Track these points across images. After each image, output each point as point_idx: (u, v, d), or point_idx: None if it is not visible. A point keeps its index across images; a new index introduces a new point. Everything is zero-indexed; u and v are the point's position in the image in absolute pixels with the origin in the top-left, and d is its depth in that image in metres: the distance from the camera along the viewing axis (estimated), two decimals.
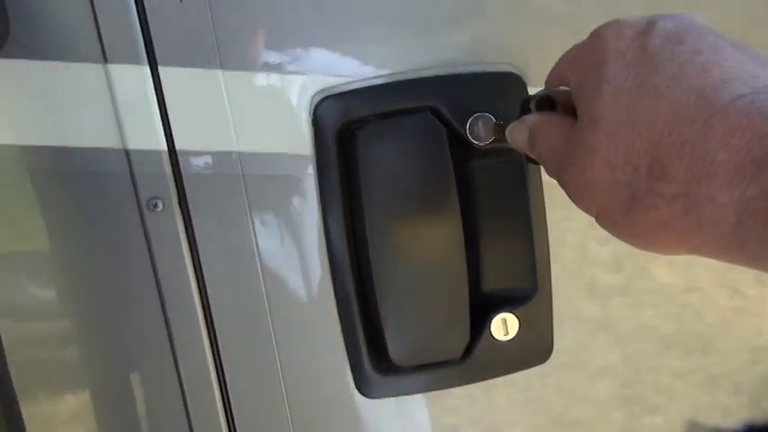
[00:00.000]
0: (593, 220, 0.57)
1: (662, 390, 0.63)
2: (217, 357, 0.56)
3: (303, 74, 0.52)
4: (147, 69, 0.50)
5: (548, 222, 0.57)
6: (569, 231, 0.58)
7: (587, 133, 0.32)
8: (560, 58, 0.37)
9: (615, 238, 0.57)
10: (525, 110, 0.43)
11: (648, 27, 0.31)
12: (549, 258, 0.59)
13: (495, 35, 0.54)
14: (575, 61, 0.35)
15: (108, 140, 0.51)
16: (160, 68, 0.50)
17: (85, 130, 0.51)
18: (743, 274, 0.61)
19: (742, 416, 0.65)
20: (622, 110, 0.30)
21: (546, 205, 0.57)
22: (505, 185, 0.56)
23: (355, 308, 0.56)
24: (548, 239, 0.58)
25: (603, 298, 0.60)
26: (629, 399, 0.63)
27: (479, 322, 0.58)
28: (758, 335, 0.62)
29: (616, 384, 0.62)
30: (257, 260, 0.54)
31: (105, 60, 0.50)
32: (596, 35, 0.34)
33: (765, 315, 0.62)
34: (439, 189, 0.54)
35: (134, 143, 0.51)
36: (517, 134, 0.41)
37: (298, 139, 0.53)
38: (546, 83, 0.39)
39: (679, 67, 0.29)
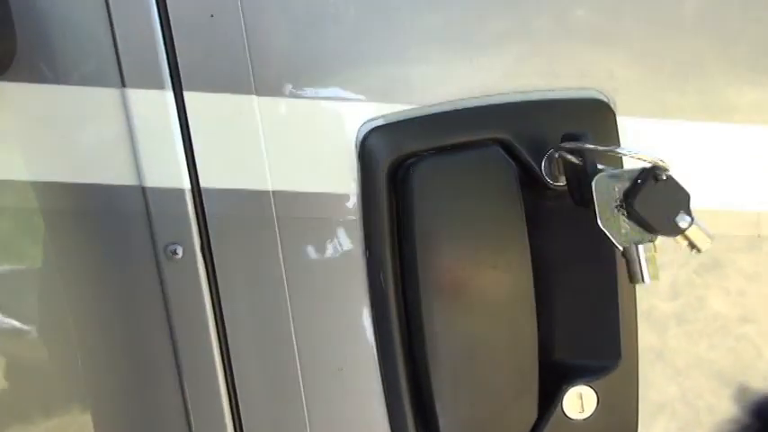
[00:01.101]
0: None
1: None
2: (238, 426, 0.48)
3: (350, 100, 0.45)
4: (171, 94, 0.44)
5: None
6: None
7: None
8: None
9: (673, 265, 0.52)
10: None
11: None
12: (636, 323, 0.49)
13: (577, 56, 0.46)
14: None
15: (122, 176, 0.44)
16: (185, 93, 0.44)
17: (98, 163, 0.44)
18: None
19: None
20: None
21: None
22: (587, 233, 0.47)
23: (403, 375, 0.48)
24: (635, 301, 0.49)
25: (661, 326, 0.53)
26: None
27: (549, 396, 0.49)
28: None
29: (673, 428, 0.55)
30: (289, 317, 0.46)
31: (123, 84, 0.43)
32: None
33: None
34: (507, 236, 0.46)
35: (152, 180, 0.44)
36: None
37: (342, 176, 0.46)
38: None
39: None
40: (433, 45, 0.45)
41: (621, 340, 0.49)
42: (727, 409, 0.56)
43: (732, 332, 0.55)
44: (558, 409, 0.49)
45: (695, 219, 0.39)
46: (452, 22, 0.45)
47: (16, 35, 0.42)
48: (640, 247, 0.41)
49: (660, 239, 0.41)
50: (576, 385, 0.49)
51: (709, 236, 0.40)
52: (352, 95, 0.45)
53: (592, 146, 0.35)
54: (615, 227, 0.41)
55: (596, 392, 0.49)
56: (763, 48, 0.49)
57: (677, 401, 0.55)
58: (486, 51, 0.46)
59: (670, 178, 0.39)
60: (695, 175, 0.49)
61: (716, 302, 0.54)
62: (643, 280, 0.41)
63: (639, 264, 0.41)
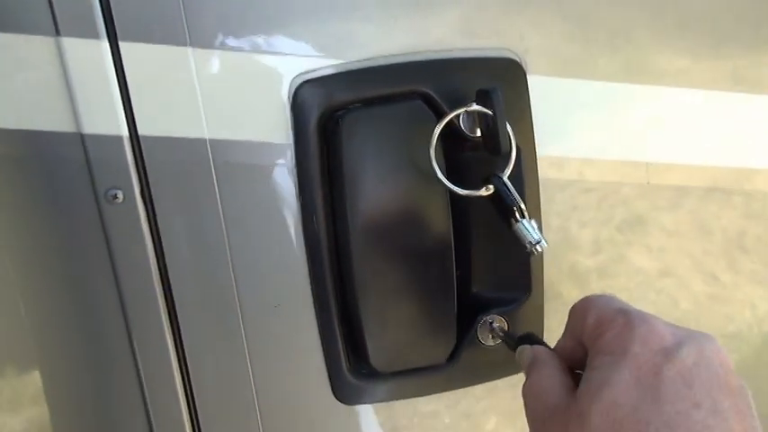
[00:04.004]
0: (576, 202, 0.56)
1: None
2: (182, 361, 0.52)
3: (283, 54, 0.47)
4: (107, 44, 0.45)
5: None
6: (553, 214, 0.56)
7: (571, 426, 0.34)
8: (586, 312, 0.38)
9: (596, 221, 0.57)
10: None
11: (672, 350, 0.33)
12: (542, 258, 0.55)
13: (492, 17, 0.50)
14: (597, 332, 0.37)
15: (61, 123, 0.45)
16: (121, 44, 0.45)
17: (35, 110, 0.45)
18: (718, 261, 0.60)
19: None
20: (609, 425, 0.32)
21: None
22: None
23: (334, 309, 0.52)
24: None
25: (583, 281, 0.58)
26: None
27: (466, 325, 0.55)
28: (731, 321, 0.62)
29: None
30: (228, 258, 0.49)
31: (57, 33, 0.44)
32: (628, 324, 0.35)
33: (739, 302, 0.61)
34: (428, 182, 0.50)
35: (90, 127, 0.45)
36: (524, 360, 0.43)
37: (275, 127, 0.48)
38: (566, 327, 0.41)
39: (675, 415, 0.31)
40: (360, 4, 0.48)
41: (532, 276, 0.55)
42: None
43: (652, 286, 0.59)
44: (474, 335, 0.55)
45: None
46: None
47: None
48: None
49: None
50: (490, 314, 0.55)
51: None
52: (286, 49, 0.47)
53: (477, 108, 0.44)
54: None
55: (507, 322, 0.55)
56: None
57: None
58: (412, 9, 0.49)
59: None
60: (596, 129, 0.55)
61: (637, 258, 0.58)
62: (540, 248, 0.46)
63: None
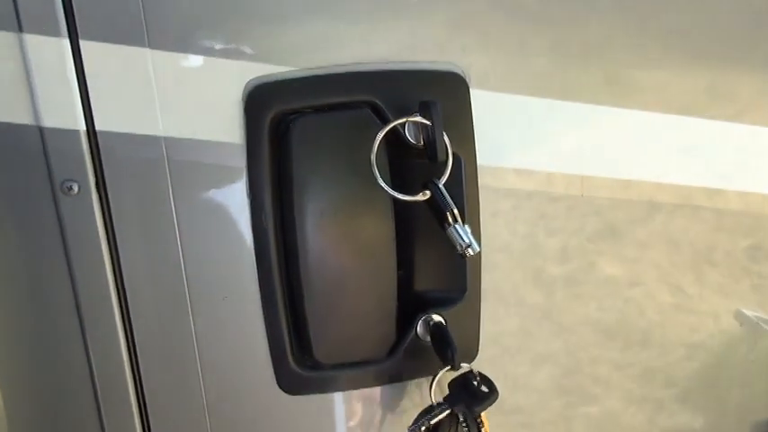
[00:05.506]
0: (543, 210, 0.59)
1: (600, 380, 0.64)
2: (132, 351, 0.54)
3: (238, 59, 0.50)
4: (67, 42, 0.47)
5: (499, 210, 0.56)
6: (520, 221, 0.58)
7: None
8: None
9: (564, 230, 0.59)
10: None
11: None
12: (480, 261, 0.59)
13: (436, 33, 0.53)
14: None
15: (20, 116, 0.47)
16: (81, 42, 0.47)
17: None
18: (686, 273, 0.62)
19: (673, 409, 0.67)
20: None
21: (497, 194, 0.56)
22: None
23: (280, 303, 0.55)
24: (479, 242, 0.58)
25: (549, 287, 0.60)
26: (568, 388, 0.64)
27: (407, 322, 0.58)
28: (694, 331, 0.64)
29: (557, 373, 0.63)
30: (179, 251, 0.52)
31: (20, 29, 0.46)
32: None
33: (703, 313, 0.64)
34: (372, 187, 0.53)
35: (49, 120, 0.47)
36: None
37: (228, 127, 0.51)
38: None
39: None
40: (313, 16, 0.50)
41: (467, 277, 0.58)
42: (607, 358, 0.64)
43: (620, 295, 0.61)
44: (413, 332, 0.58)
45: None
46: None
47: None
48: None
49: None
50: (429, 313, 0.58)
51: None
52: (241, 54, 0.50)
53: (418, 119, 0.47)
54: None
55: (445, 320, 0.58)
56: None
57: (561, 353, 0.62)
58: (362, 23, 0.52)
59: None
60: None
61: (607, 267, 0.59)
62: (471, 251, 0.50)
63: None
